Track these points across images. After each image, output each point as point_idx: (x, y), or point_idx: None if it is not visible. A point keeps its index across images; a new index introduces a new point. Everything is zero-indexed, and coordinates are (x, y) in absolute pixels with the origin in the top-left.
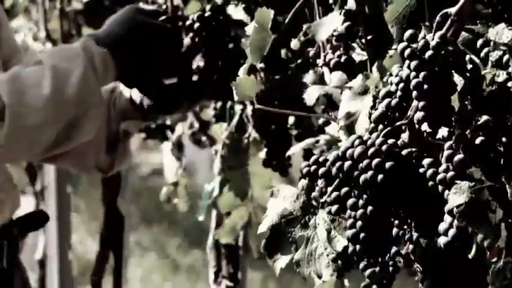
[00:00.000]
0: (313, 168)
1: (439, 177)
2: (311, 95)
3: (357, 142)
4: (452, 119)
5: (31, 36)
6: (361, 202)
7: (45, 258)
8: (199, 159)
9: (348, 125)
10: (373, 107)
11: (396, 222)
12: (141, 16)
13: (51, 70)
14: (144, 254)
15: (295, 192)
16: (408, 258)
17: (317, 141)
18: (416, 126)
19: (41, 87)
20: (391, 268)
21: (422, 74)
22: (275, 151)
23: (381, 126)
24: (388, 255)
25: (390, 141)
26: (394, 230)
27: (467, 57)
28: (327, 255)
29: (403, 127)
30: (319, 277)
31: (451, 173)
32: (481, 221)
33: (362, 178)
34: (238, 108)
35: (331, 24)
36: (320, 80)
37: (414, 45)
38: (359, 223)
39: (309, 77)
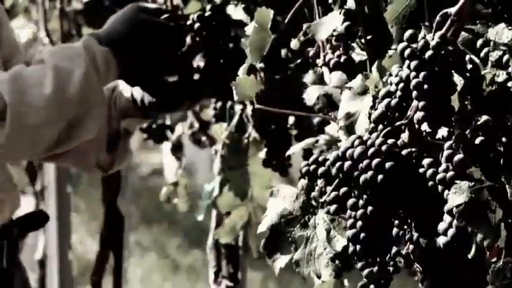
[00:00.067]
0: (312, 167)
1: (439, 177)
2: (311, 95)
3: (356, 142)
4: (452, 119)
5: (31, 36)
6: (361, 202)
7: (45, 258)
8: (199, 159)
9: (348, 125)
10: (373, 107)
11: (396, 222)
12: (143, 14)
13: (53, 69)
14: (144, 254)
15: (294, 192)
16: (408, 258)
17: (317, 141)
18: (416, 126)
19: (42, 87)
20: (391, 268)
21: (422, 74)
22: (275, 151)
23: (380, 126)
24: (389, 255)
25: (390, 141)
26: (394, 230)
27: (467, 57)
28: (326, 255)
29: (403, 127)
30: (319, 277)
31: (450, 173)
32: (480, 220)
33: (362, 178)
34: (238, 108)
35: (330, 24)
36: (320, 80)
37: (414, 45)
38: (359, 223)
39: (308, 77)
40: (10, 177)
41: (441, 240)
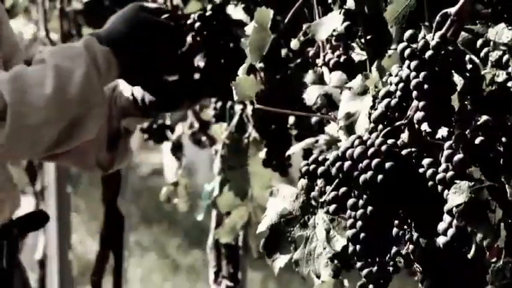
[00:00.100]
0: (312, 167)
1: (439, 177)
2: (311, 95)
3: (356, 142)
4: (452, 119)
5: (31, 36)
6: (361, 202)
7: (45, 258)
8: (199, 159)
9: (348, 125)
10: (373, 107)
11: (396, 222)
12: (143, 14)
13: (53, 69)
14: (144, 254)
15: (294, 191)
16: (408, 258)
17: (317, 141)
18: (416, 126)
19: (43, 86)
20: (391, 268)
21: (422, 74)
22: (275, 151)
23: (380, 126)
24: (388, 255)
25: (390, 141)
26: (394, 230)
27: (467, 57)
28: (326, 255)
29: (403, 127)
30: (318, 277)
31: (450, 173)
32: (480, 220)
33: (362, 178)
34: (238, 108)
35: (330, 24)
36: (320, 80)
37: (414, 45)
38: (359, 223)
39: (308, 77)
40: (10, 177)
41: (441, 240)
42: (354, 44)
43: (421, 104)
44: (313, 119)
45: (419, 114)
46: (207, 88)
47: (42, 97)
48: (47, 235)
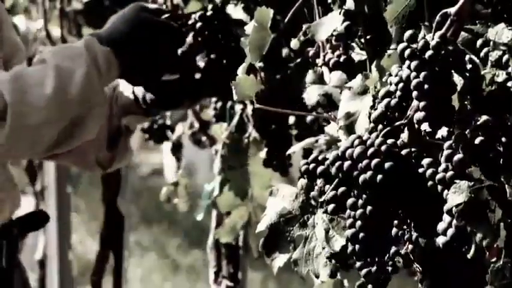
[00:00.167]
0: (311, 166)
1: (439, 176)
2: (311, 94)
3: (356, 142)
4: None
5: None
6: (360, 202)
7: (45, 258)
8: (199, 159)
9: (348, 125)
10: (373, 107)
11: (395, 222)
12: (144, 14)
13: (54, 69)
14: (144, 254)
15: (294, 191)
16: (408, 258)
17: (317, 141)
18: (416, 126)
19: (43, 86)
20: (390, 268)
21: (422, 74)
22: (275, 151)
23: (380, 126)
24: (388, 255)
25: (390, 141)
26: (394, 230)
27: (467, 57)
28: (325, 254)
29: (403, 127)
30: (317, 276)
31: (450, 173)
32: (480, 220)
33: (361, 178)
34: (238, 108)
35: (330, 24)
36: (320, 80)
37: (414, 45)
38: (358, 223)
39: (308, 77)
40: (10, 177)
41: (440, 240)
42: (354, 44)
43: (422, 104)
44: (308, 118)
45: (419, 114)
46: (208, 88)
47: (42, 97)
48: (47, 235)
